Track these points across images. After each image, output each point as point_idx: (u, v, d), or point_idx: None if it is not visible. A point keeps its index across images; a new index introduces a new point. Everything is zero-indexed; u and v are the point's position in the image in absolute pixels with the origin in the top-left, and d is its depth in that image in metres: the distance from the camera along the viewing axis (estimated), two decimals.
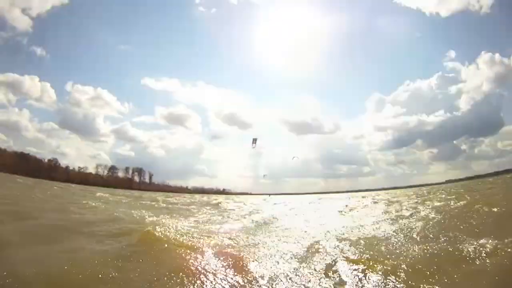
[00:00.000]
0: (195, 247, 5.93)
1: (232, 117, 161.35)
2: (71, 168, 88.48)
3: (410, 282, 4.17)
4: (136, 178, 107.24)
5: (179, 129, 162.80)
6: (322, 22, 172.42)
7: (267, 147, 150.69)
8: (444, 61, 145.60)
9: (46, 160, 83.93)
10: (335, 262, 5.15)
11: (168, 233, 6.77)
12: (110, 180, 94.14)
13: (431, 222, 8.78)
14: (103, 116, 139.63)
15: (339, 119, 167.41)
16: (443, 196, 20.63)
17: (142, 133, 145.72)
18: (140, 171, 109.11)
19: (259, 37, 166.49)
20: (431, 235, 7.28)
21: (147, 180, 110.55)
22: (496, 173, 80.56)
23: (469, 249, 5.02)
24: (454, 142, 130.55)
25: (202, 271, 4.58)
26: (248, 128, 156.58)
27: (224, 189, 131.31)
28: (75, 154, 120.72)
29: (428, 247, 5.69)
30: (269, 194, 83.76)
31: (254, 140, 20.28)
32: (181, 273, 4.38)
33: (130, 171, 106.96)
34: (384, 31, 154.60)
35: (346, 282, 4.37)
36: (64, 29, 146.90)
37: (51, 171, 77.13)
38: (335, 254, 5.76)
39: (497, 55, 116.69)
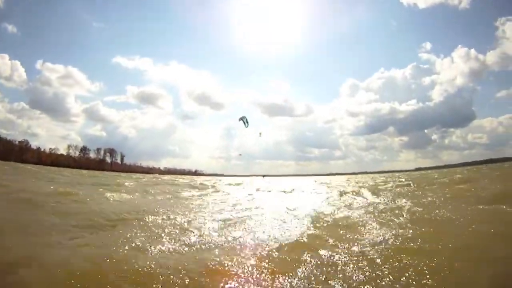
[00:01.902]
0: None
1: (204, 97, 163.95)
2: (42, 149, 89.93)
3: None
4: (108, 159, 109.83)
5: (151, 109, 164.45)
6: (299, 6, 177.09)
7: (239, 129, 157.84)
8: (419, 52, 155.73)
9: (17, 142, 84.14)
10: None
11: None
12: (81, 161, 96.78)
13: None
14: (73, 96, 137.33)
15: (312, 103, 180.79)
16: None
17: (113, 113, 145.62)
18: (111, 151, 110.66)
19: (235, 19, 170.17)
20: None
21: (119, 161, 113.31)
22: (465, 164, 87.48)
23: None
24: (425, 131, 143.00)
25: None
26: (221, 109, 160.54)
27: (196, 170, 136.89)
28: (46, 134, 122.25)
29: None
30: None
31: (244, 120, 19.43)
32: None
33: (102, 152, 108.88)
34: (361, 18, 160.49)
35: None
36: (36, 5, 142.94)
37: (22, 153, 78.94)
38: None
39: (472, 51, 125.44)
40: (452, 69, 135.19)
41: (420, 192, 14.39)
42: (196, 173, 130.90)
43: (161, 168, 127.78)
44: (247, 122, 19.49)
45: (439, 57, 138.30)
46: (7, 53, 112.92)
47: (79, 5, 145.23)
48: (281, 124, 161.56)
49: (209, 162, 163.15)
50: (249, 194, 18.26)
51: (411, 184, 20.27)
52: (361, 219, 7.78)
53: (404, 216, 7.84)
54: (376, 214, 8.53)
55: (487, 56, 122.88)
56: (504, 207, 7.64)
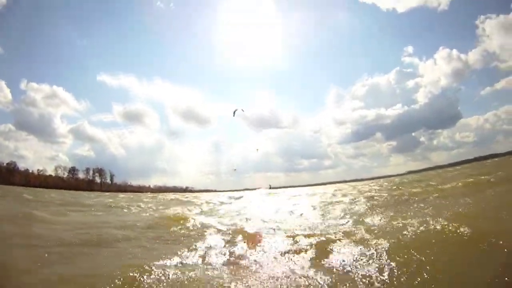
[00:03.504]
0: None
1: (190, 113, 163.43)
2: (30, 171, 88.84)
3: None
4: (97, 179, 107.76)
5: (138, 127, 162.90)
6: (280, 17, 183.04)
7: (227, 143, 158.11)
8: (402, 56, 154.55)
9: (4, 164, 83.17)
10: None
11: None
12: (70, 182, 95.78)
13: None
14: (59, 115, 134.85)
15: (298, 114, 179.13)
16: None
17: (100, 132, 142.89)
18: (100, 171, 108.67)
19: (217, 33, 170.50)
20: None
21: (108, 180, 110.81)
22: (455, 164, 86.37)
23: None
24: (413, 134, 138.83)
25: None
26: (207, 124, 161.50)
27: (187, 187, 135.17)
28: (33, 156, 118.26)
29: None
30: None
31: (235, 112, 21.86)
32: None
33: (91, 172, 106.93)
34: (341, 26, 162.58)
35: None
36: (18, 23, 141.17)
37: (9, 175, 78.22)
38: None
39: (454, 51, 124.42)
40: (435, 71, 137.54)
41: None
42: (187, 190, 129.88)
43: (151, 186, 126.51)
44: (234, 114, 22.27)
45: (421, 60, 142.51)
46: None
47: (63, 22, 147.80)
48: (269, 136, 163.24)
49: (199, 178, 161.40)
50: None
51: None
52: None
53: None
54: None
55: (469, 55, 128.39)
56: None
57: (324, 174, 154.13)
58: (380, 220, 9.26)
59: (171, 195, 44.22)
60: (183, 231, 9.28)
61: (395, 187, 20.94)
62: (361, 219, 10.04)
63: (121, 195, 47.27)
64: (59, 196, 31.00)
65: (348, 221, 10.13)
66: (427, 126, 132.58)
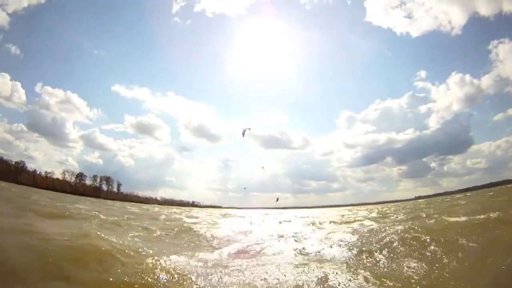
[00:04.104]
0: None
1: (201, 129, 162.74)
2: (38, 172, 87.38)
3: None
4: (104, 187, 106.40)
5: (148, 139, 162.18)
6: (295, 38, 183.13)
7: (236, 161, 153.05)
8: (415, 80, 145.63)
9: (13, 163, 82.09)
10: None
11: None
12: (78, 187, 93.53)
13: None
14: (72, 121, 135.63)
15: (308, 135, 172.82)
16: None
17: (111, 141, 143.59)
18: (108, 179, 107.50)
19: (232, 50, 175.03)
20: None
21: (115, 189, 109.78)
22: (466, 190, 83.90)
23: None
24: (424, 159, 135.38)
25: None
26: (217, 141, 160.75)
27: (193, 202, 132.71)
28: (43, 158, 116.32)
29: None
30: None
31: (244, 131, 21.51)
32: None
33: (98, 180, 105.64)
34: (355, 49, 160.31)
35: None
36: (39, 28, 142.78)
37: (17, 174, 76.31)
38: None
39: (467, 76, 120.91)
40: (448, 96, 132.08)
41: None
42: (193, 205, 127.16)
43: (158, 198, 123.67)
44: (244, 133, 21.40)
45: (434, 85, 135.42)
46: (8, 73, 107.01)
47: (82, 32, 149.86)
48: (278, 157, 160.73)
49: (206, 194, 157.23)
50: None
51: None
52: None
53: None
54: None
55: (482, 80, 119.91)
56: None
57: (333, 196, 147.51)
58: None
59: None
60: None
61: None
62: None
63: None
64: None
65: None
66: (439, 151, 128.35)
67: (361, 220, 18.62)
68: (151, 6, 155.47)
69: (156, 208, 42.97)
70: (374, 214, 25.04)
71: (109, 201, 66.10)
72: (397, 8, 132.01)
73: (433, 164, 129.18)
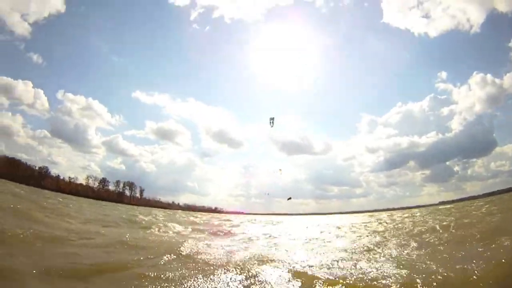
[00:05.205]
0: None
1: (222, 134, 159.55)
2: (61, 177, 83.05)
3: None
4: (127, 192, 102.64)
5: (170, 145, 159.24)
6: (314, 42, 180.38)
7: (258, 166, 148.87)
8: (436, 82, 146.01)
9: (37, 168, 78.44)
10: None
11: None
12: (101, 192, 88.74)
13: None
14: (94, 127, 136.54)
15: (329, 140, 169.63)
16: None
17: (133, 147, 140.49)
18: (131, 185, 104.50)
19: (250, 56, 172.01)
20: None
21: (138, 194, 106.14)
22: (489, 194, 79.08)
23: None
24: (447, 163, 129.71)
25: None
26: (239, 146, 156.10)
27: (216, 208, 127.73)
28: (66, 164, 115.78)
29: None
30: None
31: (272, 120, 21.00)
32: None
33: (121, 185, 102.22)
34: (374, 52, 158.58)
35: None
36: (60, 37, 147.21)
37: (41, 179, 71.46)
38: None
39: (488, 76, 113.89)
40: (470, 97, 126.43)
41: None
42: (216, 211, 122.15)
43: (180, 204, 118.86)
44: (273, 123, 20.78)
45: (456, 86, 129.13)
46: (31, 80, 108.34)
47: (103, 40, 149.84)
48: (299, 162, 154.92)
49: (228, 200, 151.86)
50: None
51: None
52: None
53: None
54: None
55: (504, 79, 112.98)
56: None
57: (356, 202, 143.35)
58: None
59: None
60: None
61: None
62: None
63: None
64: None
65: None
66: (462, 154, 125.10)
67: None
68: (170, 13, 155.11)
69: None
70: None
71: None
72: (414, 8, 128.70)
73: (456, 168, 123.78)
